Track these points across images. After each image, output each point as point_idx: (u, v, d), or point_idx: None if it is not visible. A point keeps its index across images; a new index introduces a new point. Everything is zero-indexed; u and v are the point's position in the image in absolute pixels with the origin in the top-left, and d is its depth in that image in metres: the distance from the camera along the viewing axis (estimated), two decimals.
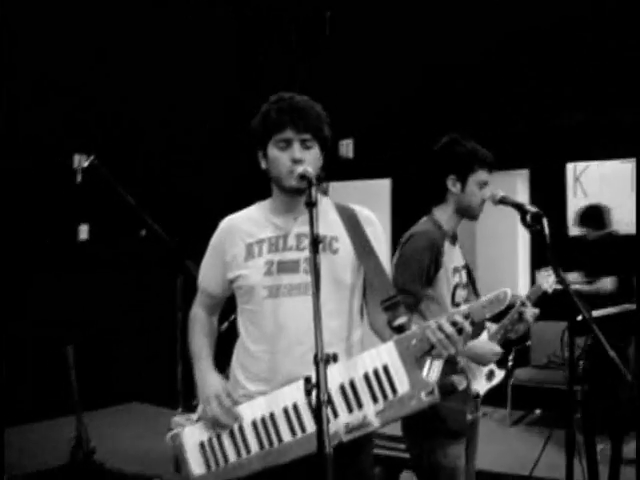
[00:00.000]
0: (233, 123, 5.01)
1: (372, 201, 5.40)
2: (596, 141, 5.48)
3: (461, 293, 2.64)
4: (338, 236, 1.98)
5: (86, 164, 3.60)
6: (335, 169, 5.62)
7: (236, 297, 2.05)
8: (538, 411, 6.08)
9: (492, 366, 2.76)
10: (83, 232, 4.88)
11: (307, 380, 1.57)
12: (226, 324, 2.86)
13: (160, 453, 4.30)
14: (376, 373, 1.82)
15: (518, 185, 6.02)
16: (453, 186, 2.64)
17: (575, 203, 5.79)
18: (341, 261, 1.96)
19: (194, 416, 2.00)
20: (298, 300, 1.91)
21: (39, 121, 5.01)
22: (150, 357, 5.59)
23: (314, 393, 1.52)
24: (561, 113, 5.43)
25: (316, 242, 1.68)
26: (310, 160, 1.92)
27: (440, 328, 1.78)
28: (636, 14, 5.03)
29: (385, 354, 1.84)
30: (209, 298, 2.13)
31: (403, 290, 2.38)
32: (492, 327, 2.80)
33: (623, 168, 5.59)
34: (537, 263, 5.47)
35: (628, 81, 5.23)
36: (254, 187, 2.36)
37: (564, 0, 5.23)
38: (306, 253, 1.91)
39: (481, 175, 2.62)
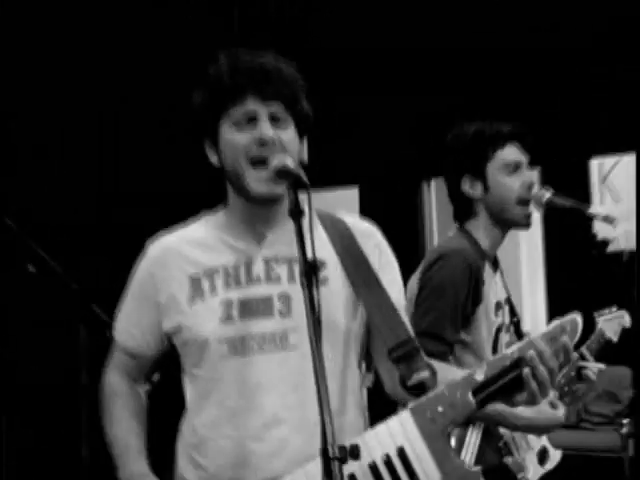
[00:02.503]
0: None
1: None
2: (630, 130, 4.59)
3: (505, 338, 2.30)
4: (326, 260, 1.66)
5: None
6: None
7: (180, 356, 1.70)
8: None
9: (544, 442, 2.36)
10: None
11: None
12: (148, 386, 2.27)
13: None
14: (388, 463, 1.51)
15: None
16: (473, 189, 2.26)
17: (602, 210, 4.94)
18: (332, 295, 1.64)
19: None
20: (274, 358, 1.60)
21: None
22: (42, 440, 4.64)
23: None
24: (580, 95, 4.76)
25: (310, 270, 1.40)
26: (286, 144, 1.59)
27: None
28: None
29: (398, 431, 1.53)
30: (131, 359, 1.77)
31: (429, 335, 2.07)
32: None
33: None
34: (556, 287, 4.97)
35: None
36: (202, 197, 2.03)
37: None
38: (280, 287, 1.62)
39: (502, 156, 2.25)
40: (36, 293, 3.75)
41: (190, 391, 1.71)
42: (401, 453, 1.55)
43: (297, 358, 1.55)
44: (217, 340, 1.63)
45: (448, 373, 1.71)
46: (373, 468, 1.53)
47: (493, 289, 2.30)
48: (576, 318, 1.55)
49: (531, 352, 1.52)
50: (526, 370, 1.52)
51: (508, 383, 1.53)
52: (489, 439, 2.05)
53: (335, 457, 1.28)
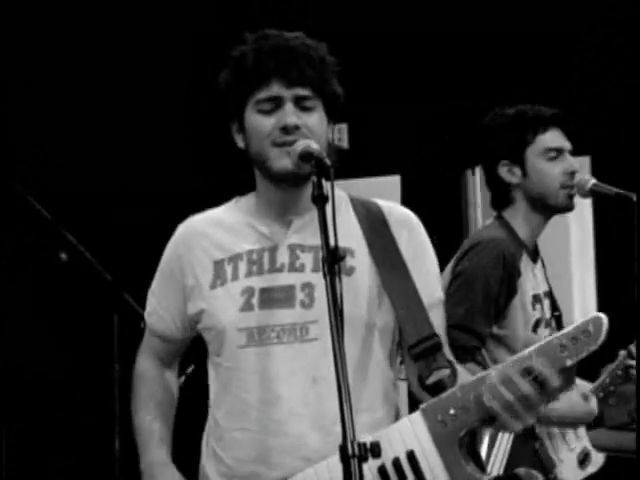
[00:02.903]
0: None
1: None
2: None
3: (544, 333, 2.21)
4: (354, 249, 1.61)
5: None
6: None
7: (205, 342, 1.69)
8: None
9: (586, 443, 2.28)
10: None
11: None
12: (183, 377, 2.44)
13: None
14: (397, 466, 1.45)
15: None
16: (511, 175, 2.21)
17: None
18: (358, 287, 1.59)
19: None
20: (293, 350, 1.56)
21: None
22: (75, 429, 4.66)
23: None
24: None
25: (335, 258, 1.35)
26: (312, 129, 1.55)
27: (506, 384, 1.39)
28: None
29: (409, 433, 1.47)
30: (162, 343, 1.77)
31: (460, 327, 2.02)
32: (582, 386, 2.33)
33: None
34: (607, 279, 4.74)
35: None
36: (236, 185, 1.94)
37: None
38: (304, 276, 1.57)
39: (544, 140, 2.18)
40: (68, 282, 3.82)
41: (213, 380, 1.70)
42: (411, 457, 1.51)
43: (317, 351, 1.53)
44: (235, 328, 1.62)
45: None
46: (382, 471, 1.50)
47: (531, 281, 2.24)
48: (600, 317, 1.45)
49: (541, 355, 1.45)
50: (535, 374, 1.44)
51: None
52: (524, 439, 1.99)
53: (354, 455, 1.25)
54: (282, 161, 1.56)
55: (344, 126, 5.28)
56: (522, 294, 2.19)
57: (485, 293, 2.14)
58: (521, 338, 2.19)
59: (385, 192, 5.19)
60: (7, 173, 3.74)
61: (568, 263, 5.36)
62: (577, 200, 2.27)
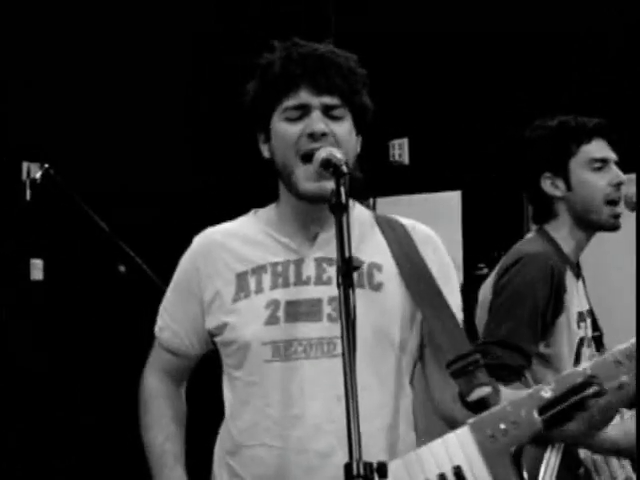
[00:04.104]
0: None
1: (436, 221, 4.46)
2: None
3: (587, 352, 2.18)
4: (382, 264, 1.60)
5: (38, 175, 3.46)
6: (385, 178, 5.07)
7: (221, 357, 1.66)
8: None
9: (630, 475, 2.18)
10: (36, 270, 4.19)
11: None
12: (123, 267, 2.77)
13: None
14: None
15: None
16: (554, 188, 2.17)
17: None
18: (387, 303, 1.58)
19: None
20: (319, 365, 1.53)
21: None
22: (75, 429, 4.58)
23: None
24: None
25: (349, 269, 1.32)
26: (339, 138, 1.53)
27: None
28: None
29: (456, 447, 1.44)
30: (173, 358, 1.72)
31: (505, 345, 1.99)
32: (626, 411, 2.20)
33: None
34: None
35: None
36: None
37: None
38: (332, 289, 1.49)
39: (588, 151, 2.14)
40: (127, 294, 3.83)
41: (229, 394, 1.67)
42: (458, 472, 1.47)
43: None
44: (260, 342, 1.59)
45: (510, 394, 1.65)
46: None
47: (576, 298, 2.18)
48: None
49: (597, 371, 1.45)
50: (591, 390, 1.44)
51: (578, 403, 1.44)
52: (568, 464, 1.87)
53: (359, 475, 1.22)
54: (309, 183, 1.55)
55: (404, 141, 5.30)
56: (568, 311, 2.15)
57: (532, 309, 2.09)
58: (565, 357, 2.15)
59: (445, 208, 5.21)
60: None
61: (607, 267, 5.27)
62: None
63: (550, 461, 1.54)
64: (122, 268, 3.60)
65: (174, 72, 5.09)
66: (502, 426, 1.47)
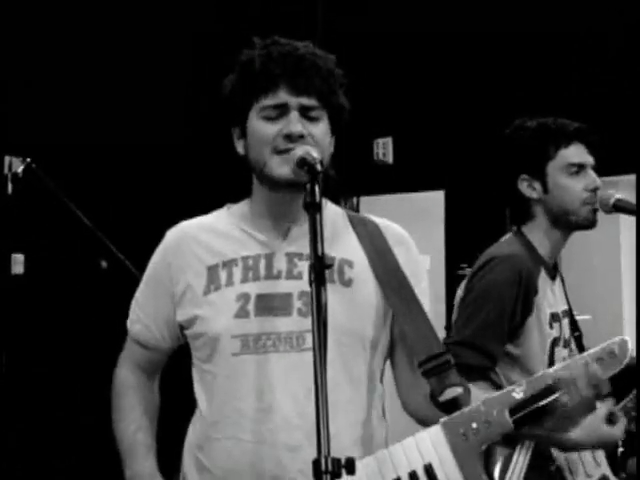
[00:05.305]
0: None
1: (419, 220, 4.66)
2: None
3: (562, 353, 2.17)
4: (353, 261, 1.60)
5: (20, 169, 3.44)
6: (368, 177, 5.11)
7: (191, 350, 1.65)
8: None
9: (605, 472, 2.20)
10: (17, 264, 4.09)
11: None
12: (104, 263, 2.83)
13: None
14: (414, 478, 1.44)
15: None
16: (530, 190, 2.17)
17: None
18: (357, 299, 1.58)
19: None
20: (289, 359, 1.53)
21: None
22: (75, 429, 4.58)
23: None
24: None
25: (322, 265, 1.32)
26: (316, 138, 1.54)
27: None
28: None
29: (428, 446, 1.46)
30: (145, 351, 1.72)
31: (469, 345, 2.00)
32: (604, 409, 2.16)
33: None
34: None
35: None
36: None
37: None
38: (302, 284, 1.51)
39: (566, 155, 2.14)
40: (108, 289, 3.79)
41: (199, 387, 1.67)
42: (429, 470, 1.49)
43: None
44: (230, 335, 1.59)
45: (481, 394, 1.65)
46: None
47: (548, 299, 2.18)
48: (626, 340, 1.49)
49: (567, 374, 1.48)
50: (558, 394, 1.47)
51: (548, 405, 1.47)
52: (539, 462, 1.93)
53: (327, 471, 1.21)
54: (282, 168, 1.55)
55: (389, 140, 5.28)
56: (539, 312, 2.14)
57: (499, 311, 2.09)
58: (536, 357, 2.15)
59: (429, 207, 5.18)
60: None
61: (618, 264, 5.28)
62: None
63: (519, 459, 1.57)
64: (104, 263, 3.59)
65: (174, 72, 5.08)
66: (474, 425, 1.48)
